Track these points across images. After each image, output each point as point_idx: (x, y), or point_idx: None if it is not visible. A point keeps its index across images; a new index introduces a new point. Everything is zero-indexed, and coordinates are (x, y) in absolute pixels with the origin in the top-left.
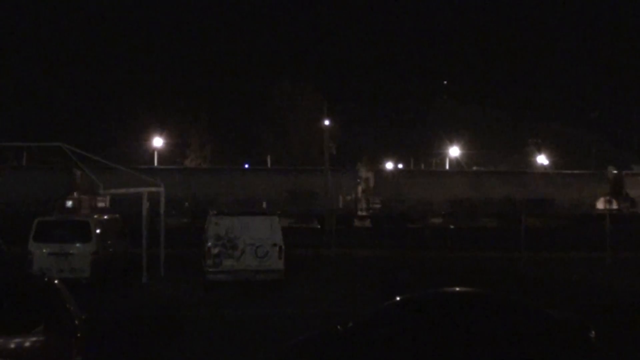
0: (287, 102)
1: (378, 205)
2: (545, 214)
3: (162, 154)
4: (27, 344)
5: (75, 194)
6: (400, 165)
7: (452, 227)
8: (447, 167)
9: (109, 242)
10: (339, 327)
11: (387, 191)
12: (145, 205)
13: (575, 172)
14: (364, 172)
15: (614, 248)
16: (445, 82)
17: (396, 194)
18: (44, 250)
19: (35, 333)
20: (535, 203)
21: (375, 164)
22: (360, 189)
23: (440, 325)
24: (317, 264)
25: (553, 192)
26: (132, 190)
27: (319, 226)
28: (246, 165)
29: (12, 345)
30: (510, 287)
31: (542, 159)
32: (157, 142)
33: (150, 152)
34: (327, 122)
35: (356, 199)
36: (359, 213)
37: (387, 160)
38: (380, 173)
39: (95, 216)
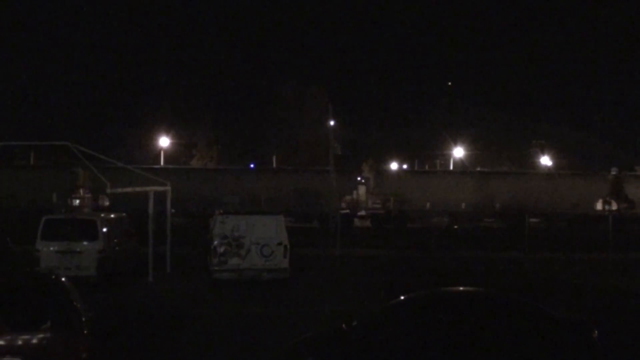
0: (293, 103)
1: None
2: None
3: (168, 153)
4: (34, 340)
5: (81, 191)
6: (405, 166)
7: None
8: (452, 167)
9: (116, 240)
10: (343, 325)
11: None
12: (152, 204)
13: None
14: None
15: None
16: (449, 84)
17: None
18: (51, 248)
19: (42, 330)
20: None
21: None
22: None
23: (444, 325)
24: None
25: None
26: (138, 189)
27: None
28: (252, 166)
29: (20, 342)
30: None
31: (545, 160)
32: (164, 141)
33: (156, 151)
34: (332, 123)
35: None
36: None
37: (392, 161)
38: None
39: (102, 215)
